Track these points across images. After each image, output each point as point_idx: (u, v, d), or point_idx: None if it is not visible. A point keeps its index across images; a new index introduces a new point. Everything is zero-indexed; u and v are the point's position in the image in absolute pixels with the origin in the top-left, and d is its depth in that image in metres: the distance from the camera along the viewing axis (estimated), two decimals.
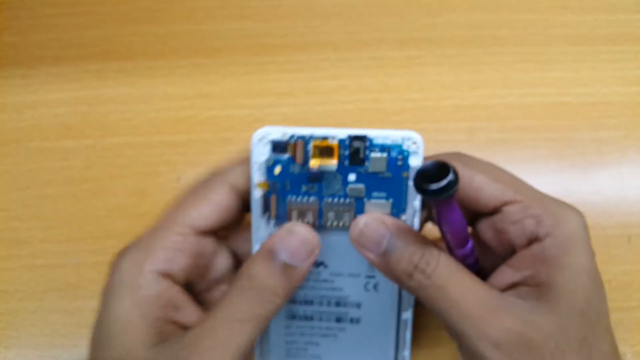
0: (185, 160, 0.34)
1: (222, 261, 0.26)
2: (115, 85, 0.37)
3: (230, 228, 0.26)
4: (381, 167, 0.23)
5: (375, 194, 0.24)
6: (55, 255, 0.32)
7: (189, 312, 0.24)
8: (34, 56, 0.38)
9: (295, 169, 0.23)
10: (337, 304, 0.26)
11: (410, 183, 0.23)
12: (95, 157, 0.35)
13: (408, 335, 0.26)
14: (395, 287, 0.25)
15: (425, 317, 0.28)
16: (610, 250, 0.32)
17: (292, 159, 0.23)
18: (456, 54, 0.37)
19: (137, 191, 0.34)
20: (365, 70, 0.37)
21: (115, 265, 0.23)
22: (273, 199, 0.24)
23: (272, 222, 0.24)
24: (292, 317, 0.26)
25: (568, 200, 0.23)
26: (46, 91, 0.37)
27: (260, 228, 0.24)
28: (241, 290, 0.22)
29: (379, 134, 0.23)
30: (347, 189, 0.24)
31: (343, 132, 0.23)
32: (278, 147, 0.23)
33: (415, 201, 0.24)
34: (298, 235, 0.23)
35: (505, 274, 0.23)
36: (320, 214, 0.24)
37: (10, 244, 0.32)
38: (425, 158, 0.23)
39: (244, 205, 0.25)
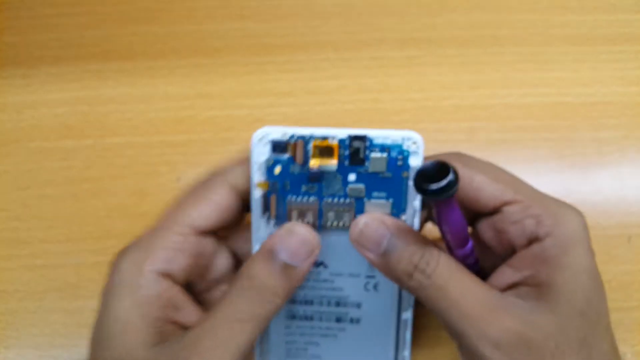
0: (185, 160, 0.34)
1: (222, 261, 0.26)
2: (115, 85, 0.37)
3: (230, 228, 0.26)
4: (381, 167, 0.23)
5: (375, 194, 0.24)
6: (55, 255, 0.32)
7: (188, 312, 0.24)
8: (34, 56, 0.38)
9: (295, 169, 0.23)
10: (337, 304, 0.26)
11: (411, 183, 0.23)
12: (95, 157, 0.35)
13: (408, 335, 0.26)
14: (395, 287, 0.25)
15: (425, 317, 0.28)
16: (610, 250, 0.32)
17: (292, 159, 0.23)
18: (456, 54, 0.37)
19: (137, 191, 0.34)
20: (365, 70, 0.37)
21: (115, 265, 0.23)
22: (273, 199, 0.24)
23: (272, 222, 0.24)
24: (292, 317, 0.26)
25: (568, 200, 0.23)
26: (46, 91, 0.37)
27: (260, 228, 0.24)
28: (241, 290, 0.22)
29: (379, 134, 0.23)
30: (347, 189, 0.24)
31: (343, 132, 0.23)
32: (278, 147, 0.23)
33: (415, 201, 0.24)
34: (298, 235, 0.23)
35: (505, 274, 0.23)
36: (320, 214, 0.24)
37: (10, 244, 0.32)
38: (426, 158, 0.23)
39: (244, 205, 0.25)
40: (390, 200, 0.24)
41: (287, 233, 0.23)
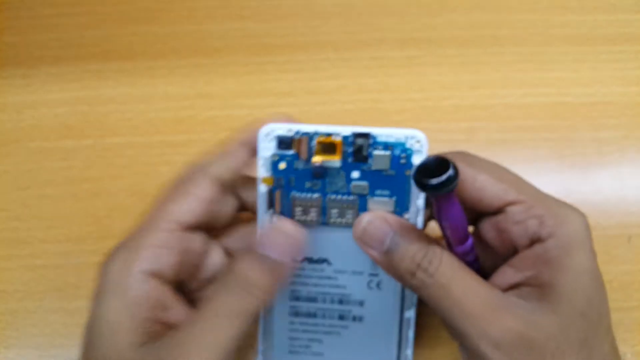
0: (185, 160, 0.34)
1: (214, 260, 0.26)
2: (115, 85, 0.37)
3: (222, 226, 0.26)
4: (384, 164, 0.23)
5: (378, 191, 0.24)
6: (55, 255, 0.32)
7: (178, 311, 0.23)
8: (34, 56, 0.38)
9: (300, 165, 0.24)
10: (340, 301, 0.26)
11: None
12: (95, 157, 0.35)
13: (411, 333, 0.26)
14: (398, 286, 0.25)
15: (427, 316, 0.28)
16: (610, 250, 0.32)
17: (297, 155, 0.23)
18: (456, 54, 0.37)
19: (137, 191, 0.34)
20: (365, 70, 0.37)
21: (104, 267, 0.23)
22: (278, 194, 0.24)
23: (277, 217, 0.24)
24: (296, 314, 0.26)
25: (568, 200, 0.23)
26: (46, 91, 0.37)
27: (265, 223, 0.24)
28: (227, 286, 0.22)
29: (383, 132, 0.23)
30: (351, 186, 0.24)
31: (347, 130, 0.23)
32: (283, 143, 0.23)
33: (418, 199, 0.24)
34: (284, 232, 0.23)
35: (507, 274, 0.23)
36: (323, 211, 0.24)
37: (10, 244, 0.32)
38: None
39: (237, 199, 0.25)
40: (394, 198, 0.24)
41: (273, 230, 0.23)
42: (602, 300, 0.22)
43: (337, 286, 0.26)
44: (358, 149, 0.23)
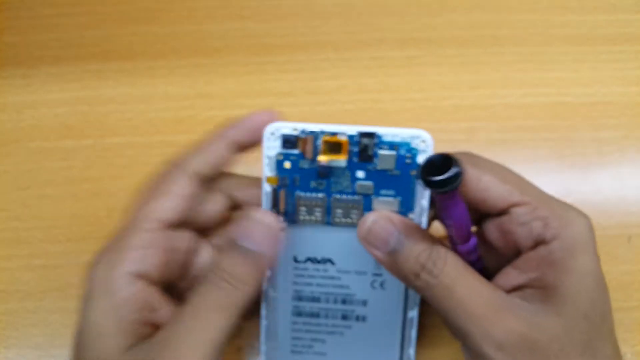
0: None
1: (204, 258, 0.25)
2: (115, 85, 0.37)
3: (211, 224, 0.25)
4: (390, 164, 0.23)
5: (383, 191, 0.24)
6: (55, 255, 0.32)
7: (166, 312, 0.23)
8: (34, 56, 0.38)
9: (305, 164, 0.24)
10: (344, 301, 0.26)
11: (419, 181, 0.23)
12: (95, 157, 0.35)
13: (414, 333, 0.26)
14: (401, 286, 0.25)
15: (430, 316, 0.28)
16: (610, 250, 0.31)
17: (302, 155, 0.23)
18: (456, 54, 0.37)
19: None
20: (365, 70, 0.37)
21: (90, 271, 0.23)
22: (282, 194, 0.24)
23: (281, 217, 0.24)
24: (299, 314, 0.26)
25: (568, 200, 0.23)
26: (46, 91, 0.37)
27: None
28: (210, 281, 0.22)
29: (388, 132, 0.23)
30: (356, 186, 0.24)
31: (352, 129, 0.23)
32: (288, 142, 0.23)
33: (423, 200, 0.24)
34: (260, 223, 0.23)
35: (510, 276, 0.23)
36: (328, 210, 0.24)
37: (10, 244, 0.32)
38: None
39: (227, 198, 0.25)
40: (398, 198, 0.24)
41: (249, 221, 0.23)
42: (605, 302, 0.22)
43: (341, 286, 0.26)
44: (363, 148, 0.23)
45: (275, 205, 0.24)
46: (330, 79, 0.36)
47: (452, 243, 0.23)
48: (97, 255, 0.23)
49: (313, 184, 0.24)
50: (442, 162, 0.20)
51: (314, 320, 0.26)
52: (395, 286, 0.25)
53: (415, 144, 0.23)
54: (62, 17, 0.39)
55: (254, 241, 0.22)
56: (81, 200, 0.33)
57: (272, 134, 0.23)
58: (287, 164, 0.24)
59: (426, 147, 0.23)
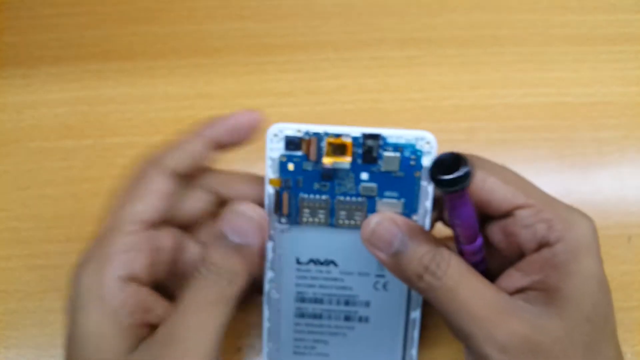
0: None
1: (192, 255, 0.25)
2: (115, 85, 0.37)
3: (194, 220, 0.25)
4: (394, 166, 0.23)
5: (387, 193, 0.24)
6: (55, 255, 0.32)
7: (160, 311, 0.23)
8: (34, 56, 0.38)
9: (308, 166, 0.23)
10: (347, 302, 0.26)
11: (423, 183, 0.23)
12: (95, 157, 0.35)
13: (416, 334, 0.26)
14: (404, 287, 0.25)
15: (432, 316, 0.28)
16: (610, 250, 0.31)
17: (306, 157, 0.23)
18: (456, 54, 0.37)
19: None
20: (365, 70, 0.37)
21: (75, 280, 0.22)
22: (285, 196, 0.24)
23: (284, 219, 0.24)
24: (301, 315, 0.26)
25: (568, 200, 0.23)
26: (46, 91, 0.37)
27: (272, 225, 0.24)
28: (201, 276, 0.22)
29: (393, 133, 0.23)
30: (360, 188, 0.24)
31: (357, 130, 0.23)
32: (292, 143, 0.23)
33: (426, 201, 0.24)
34: (244, 215, 0.23)
35: (513, 278, 0.23)
36: (332, 212, 0.24)
37: (10, 244, 0.32)
38: None
39: (212, 194, 0.25)
40: (402, 200, 0.24)
41: (233, 214, 0.23)
42: (608, 304, 0.22)
43: (344, 287, 0.25)
44: (368, 150, 0.23)
45: (278, 208, 0.24)
46: (330, 79, 0.36)
47: (458, 243, 0.23)
48: (81, 259, 0.23)
49: (316, 185, 0.24)
50: (452, 161, 0.20)
51: (316, 322, 0.26)
52: (398, 287, 0.25)
53: (419, 145, 0.23)
54: (62, 17, 0.39)
55: (239, 233, 0.22)
56: (81, 200, 0.33)
57: (276, 135, 0.23)
58: (291, 166, 0.23)
59: (430, 148, 0.23)
